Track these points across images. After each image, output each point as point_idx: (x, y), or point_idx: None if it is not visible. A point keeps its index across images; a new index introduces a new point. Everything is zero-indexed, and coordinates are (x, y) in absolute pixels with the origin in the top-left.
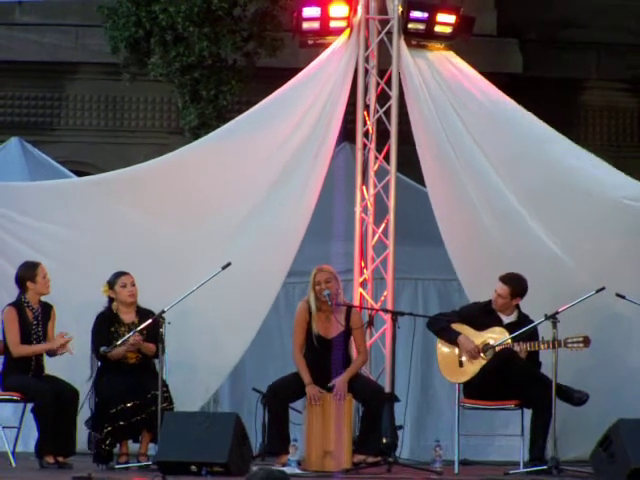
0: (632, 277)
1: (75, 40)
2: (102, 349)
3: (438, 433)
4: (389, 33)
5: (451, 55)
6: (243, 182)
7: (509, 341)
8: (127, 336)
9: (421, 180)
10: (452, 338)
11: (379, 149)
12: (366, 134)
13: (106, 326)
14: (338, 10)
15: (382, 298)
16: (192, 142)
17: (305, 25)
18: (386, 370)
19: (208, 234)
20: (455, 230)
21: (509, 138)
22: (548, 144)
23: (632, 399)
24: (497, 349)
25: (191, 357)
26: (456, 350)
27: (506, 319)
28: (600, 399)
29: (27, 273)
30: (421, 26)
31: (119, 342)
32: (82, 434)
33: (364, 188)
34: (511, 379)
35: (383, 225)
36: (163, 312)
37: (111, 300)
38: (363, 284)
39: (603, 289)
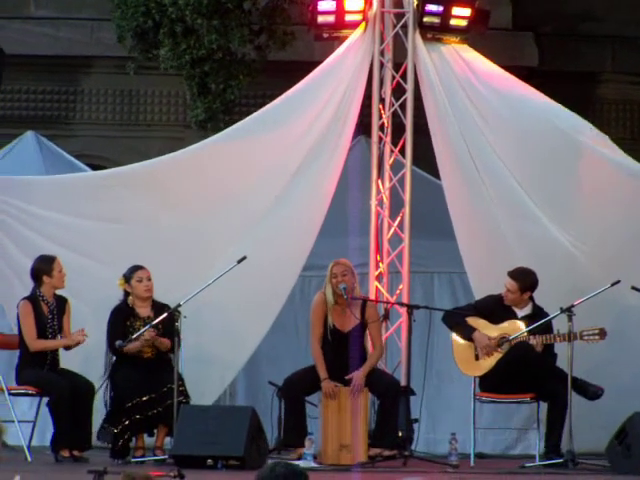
0: None
1: (90, 34)
2: (117, 343)
3: (454, 426)
4: (404, 26)
5: (464, 49)
6: (262, 175)
7: (525, 334)
8: (141, 331)
9: (437, 173)
10: (467, 334)
11: (395, 142)
12: (381, 127)
13: (121, 320)
14: (353, 3)
15: (397, 291)
16: (202, 135)
17: (320, 19)
18: (402, 363)
19: (225, 227)
20: (468, 226)
21: (524, 136)
22: (576, 135)
23: None
24: (513, 342)
25: (207, 350)
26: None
27: (520, 312)
28: (616, 391)
29: (43, 267)
30: (436, 19)
31: (134, 336)
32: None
33: (379, 182)
34: (527, 372)
35: (399, 219)
36: (179, 306)
37: (127, 294)
38: (379, 278)
39: (619, 282)
